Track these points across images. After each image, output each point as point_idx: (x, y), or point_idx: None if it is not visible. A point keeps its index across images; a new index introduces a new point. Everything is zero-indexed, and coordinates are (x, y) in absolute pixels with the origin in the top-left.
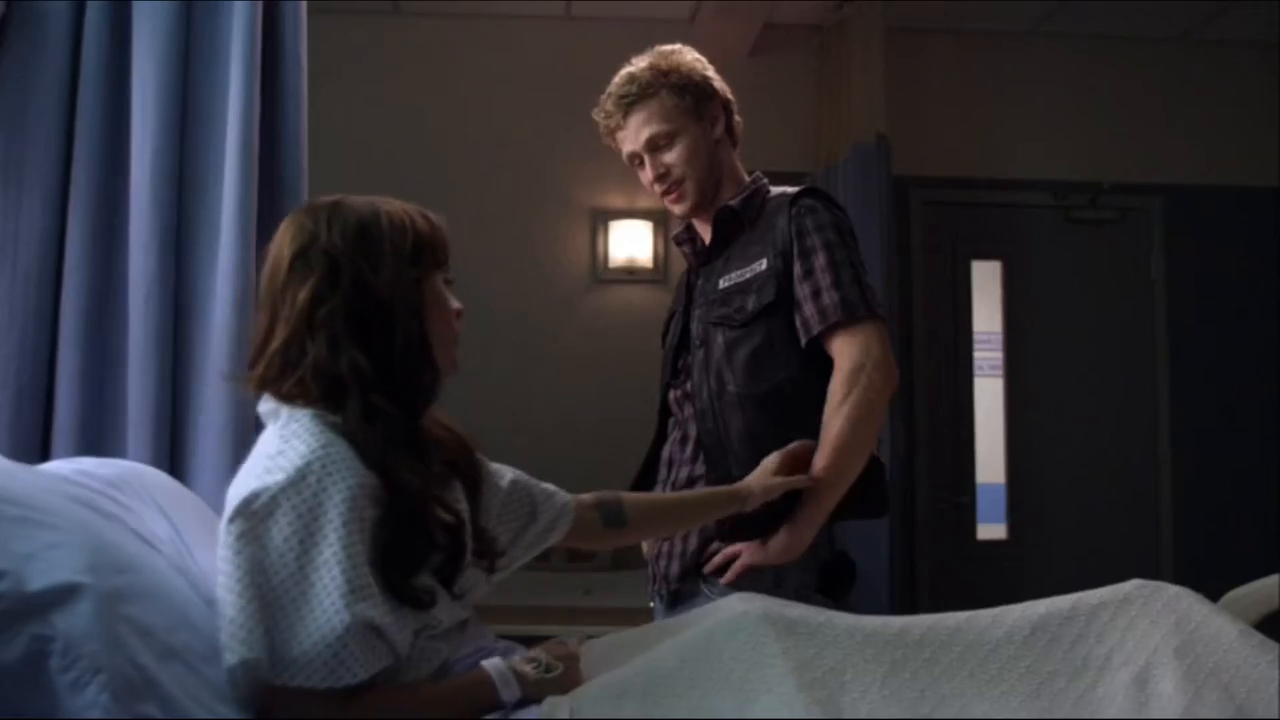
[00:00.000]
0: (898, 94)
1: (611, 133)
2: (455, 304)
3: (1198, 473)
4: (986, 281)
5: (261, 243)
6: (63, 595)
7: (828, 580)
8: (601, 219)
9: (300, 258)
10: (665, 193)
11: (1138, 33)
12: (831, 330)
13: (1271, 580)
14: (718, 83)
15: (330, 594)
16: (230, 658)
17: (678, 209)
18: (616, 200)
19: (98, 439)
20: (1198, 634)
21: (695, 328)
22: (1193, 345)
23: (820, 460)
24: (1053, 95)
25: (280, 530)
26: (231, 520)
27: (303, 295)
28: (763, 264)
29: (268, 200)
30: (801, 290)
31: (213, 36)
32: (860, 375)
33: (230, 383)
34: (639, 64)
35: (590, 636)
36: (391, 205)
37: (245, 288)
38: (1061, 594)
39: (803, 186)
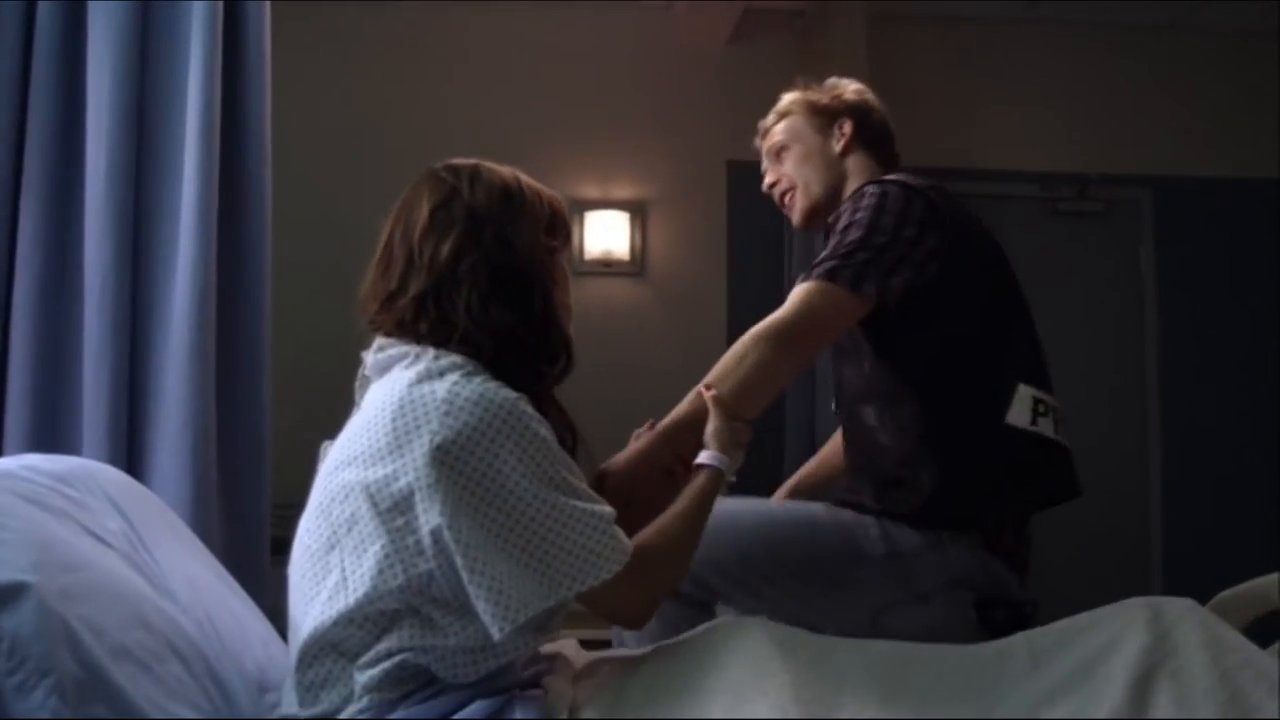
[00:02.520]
0: (880, 82)
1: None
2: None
3: (1188, 471)
4: None
5: (223, 235)
6: (7, 595)
7: (986, 617)
8: (576, 209)
9: (441, 210)
10: (779, 201)
11: (1126, 20)
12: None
13: (1262, 581)
14: (851, 93)
15: (578, 500)
16: (515, 617)
17: (792, 219)
18: (591, 190)
19: (51, 436)
20: (1195, 659)
21: None
22: (1183, 341)
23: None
24: (1039, 84)
25: (506, 461)
26: (432, 465)
27: (445, 247)
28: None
29: (229, 191)
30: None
31: (172, 24)
32: (784, 333)
33: (189, 383)
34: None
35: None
36: (526, 176)
37: (206, 281)
38: (1048, 592)
39: (883, 177)
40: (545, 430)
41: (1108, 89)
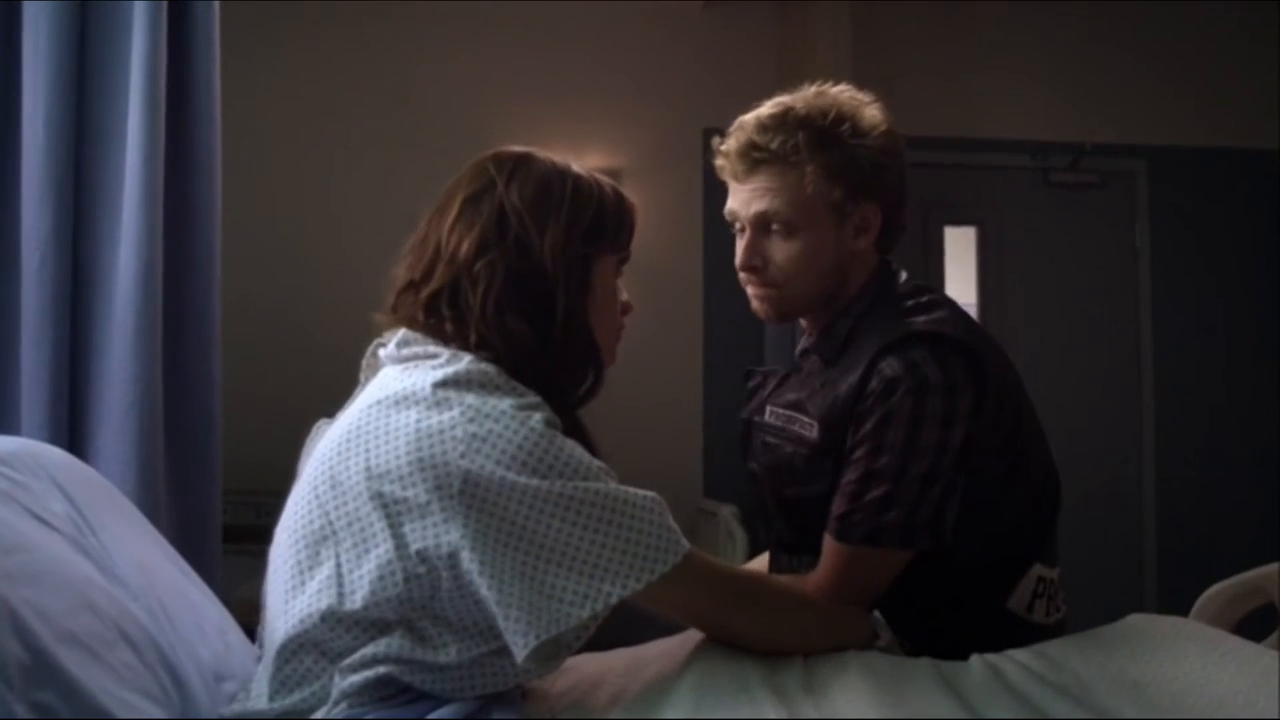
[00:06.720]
0: (865, 46)
1: (721, 173)
2: (624, 296)
3: (1182, 453)
4: (960, 249)
5: (170, 204)
6: None
7: None
8: None
9: (472, 202)
10: (749, 283)
11: None
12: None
13: (1254, 574)
14: (878, 136)
15: (618, 489)
16: (544, 630)
17: (757, 309)
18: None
19: None
20: (1180, 670)
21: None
22: (1178, 318)
23: None
24: (1032, 49)
25: (528, 480)
26: (453, 480)
27: (467, 242)
28: (813, 430)
29: (177, 163)
30: (848, 478)
31: None
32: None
33: (134, 361)
34: (796, 104)
35: None
36: (582, 172)
37: (152, 254)
38: None
39: (900, 334)
40: (573, 446)
41: (1103, 54)
